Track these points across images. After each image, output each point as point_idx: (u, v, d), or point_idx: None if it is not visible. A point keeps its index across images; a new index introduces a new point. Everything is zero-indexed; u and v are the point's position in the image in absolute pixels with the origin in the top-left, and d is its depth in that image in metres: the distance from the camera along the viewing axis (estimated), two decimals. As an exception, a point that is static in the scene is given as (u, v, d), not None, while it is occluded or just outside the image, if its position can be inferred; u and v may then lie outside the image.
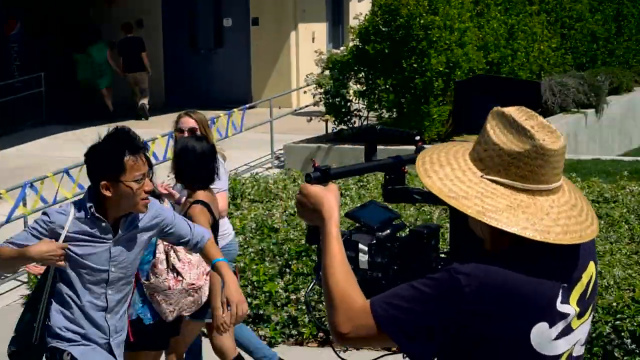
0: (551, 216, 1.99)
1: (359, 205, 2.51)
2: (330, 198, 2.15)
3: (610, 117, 16.34)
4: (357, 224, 2.31)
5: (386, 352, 2.26)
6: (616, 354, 5.62)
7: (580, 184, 8.47)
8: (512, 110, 2.05)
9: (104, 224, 3.73)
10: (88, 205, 3.70)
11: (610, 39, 18.95)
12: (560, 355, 2.07)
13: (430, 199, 2.23)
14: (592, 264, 2.13)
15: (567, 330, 2.06)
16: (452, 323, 1.98)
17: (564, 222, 2.00)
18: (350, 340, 2.07)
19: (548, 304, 2.01)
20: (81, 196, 3.94)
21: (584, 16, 17.70)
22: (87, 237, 3.75)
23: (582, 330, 2.12)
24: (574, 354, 2.13)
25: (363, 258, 2.25)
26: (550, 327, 2.02)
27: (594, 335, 5.61)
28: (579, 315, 2.09)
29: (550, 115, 13.90)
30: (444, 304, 1.97)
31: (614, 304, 5.71)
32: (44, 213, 3.81)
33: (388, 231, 2.29)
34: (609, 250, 6.60)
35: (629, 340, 5.58)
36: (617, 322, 5.63)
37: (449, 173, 2.06)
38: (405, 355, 2.03)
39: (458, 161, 2.09)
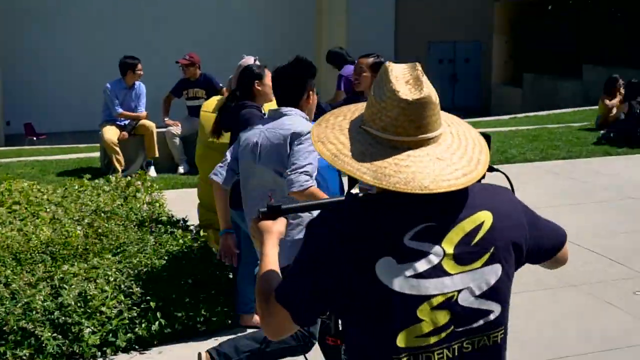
0: (400, 165, 2.03)
1: None
2: (271, 232, 2.38)
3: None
4: None
5: None
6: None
7: None
8: (393, 65, 2.12)
9: None
10: None
11: None
12: (429, 297, 2.06)
13: None
14: (483, 213, 2.14)
15: (437, 273, 2.06)
16: (321, 276, 2.07)
17: (412, 171, 2.03)
18: (281, 334, 2.22)
19: (391, 239, 2.05)
20: None
21: None
22: None
23: (469, 277, 2.10)
24: (461, 302, 2.09)
25: None
26: (399, 262, 2.04)
27: None
28: (459, 261, 2.09)
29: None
30: (312, 260, 2.10)
31: None
32: None
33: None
34: None
35: None
36: None
37: (337, 122, 2.18)
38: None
39: (354, 113, 2.20)
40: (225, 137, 5.68)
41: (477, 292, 2.11)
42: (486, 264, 2.12)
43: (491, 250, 2.13)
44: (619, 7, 25.61)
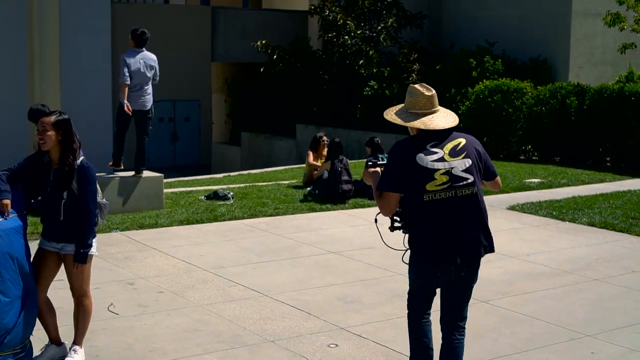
0: (422, 120, 5.04)
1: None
2: (373, 176, 5.15)
3: None
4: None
5: None
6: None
7: None
8: (415, 85, 5.18)
9: None
10: None
11: None
12: (439, 169, 4.91)
13: None
14: (460, 139, 5.07)
15: (441, 159, 4.94)
16: (392, 168, 5.01)
17: (428, 122, 5.02)
18: (387, 207, 5.04)
19: (421, 147, 4.96)
20: None
21: None
22: None
23: (456, 162, 4.95)
24: (454, 173, 4.94)
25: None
26: (426, 155, 4.93)
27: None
28: (451, 156, 4.96)
29: None
30: (388, 163, 5.04)
31: None
32: None
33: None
34: None
35: None
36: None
37: (394, 112, 5.22)
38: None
39: (396, 107, 5.26)
40: None
41: (461, 169, 4.95)
42: (463, 158, 4.99)
43: (464, 153, 5.02)
44: (326, 69, 27.01)
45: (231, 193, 12.99)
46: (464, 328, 5.21)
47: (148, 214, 11.45)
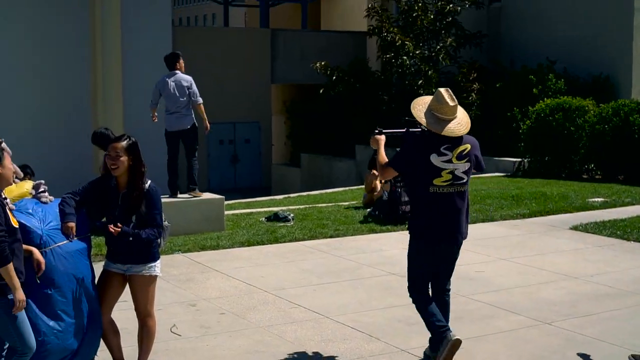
0: (442, 124, 6.04)
1: None
2: (380, 142, 6.52)
3: None
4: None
5: None
6: None
7: None
8: (442, 90, 6.14)
9: None
10: None
11: None
12: (445, 169, 6.04)
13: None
14: (467, 144, 6.15)
15: (449, 161, 6.05)
16: (408, 156, 6.22)
17: (446, 127, 6.04)
18: (388, 177, 6.56)
19: (436, 147, 6.03)
20: None
21: None
22: None
23: (460, 165, 6.09)
24: (456, 173, 6.08)
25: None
26: (438, 156, 6.02)
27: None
28: (458, 160, 6.08)
29: None
30: (405, 150, 6.26)
31: None
32: None
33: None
34: None
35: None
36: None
37: (422, 109, 6.22)
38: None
39: (425, 104, 6.25)
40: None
41: (462, 170, 6.10)
42: (465, 162, 6.11)
43: (467, 158, 6.12)
44: (385, 90, 27.02)
45: (291, 214, 13.05)
46: (450, 290, 6.58)
47: (209, 236, 11.56)
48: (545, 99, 20.85)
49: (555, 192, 15.61)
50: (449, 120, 6.06)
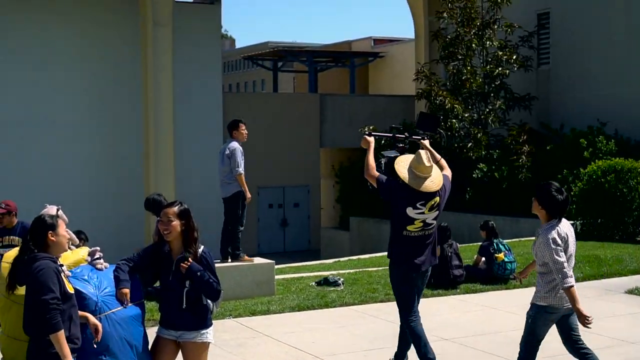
0: (418, 181, 7.40)
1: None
2: (370, 143, 7.90)
3: None
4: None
5: None
6: None
7: None
8: (422, 151, 7.56)
9: None
10: None
11: None
12: (418, 218, 7.46)
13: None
14: (437, 197, 7.49)
15: (422, 213, 7.46)
16: (392, 191, 7.64)
17: (422, 184, 7.40)
18: (370, 180, 7.76)
19: (412, 203, 7.42)
20: None
21: None
22: None
23: (430, 214, 7.51)
24: (427, 221, 7.51)
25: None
26: (414, 209, 7.43)
27: None
28: (429, 210, 7.48)
29: None
30: (393, 187, 7.60)
31: None
32: None
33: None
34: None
35: None
36: None
37: (405, 165, 7.57)
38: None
39: (407, 162, 7.61)
40: (22, 290, 5.47)
41: (431, 218, 7.56)
42: (434, 211, 7.54)
43: (437, 209, 7.56)
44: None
45: (341, 279, 13.01)
46: (418, 311, 7.81)
47: (260, 300, 11.56)
48: (597, 160, 20.68)
49: (609, 254, 15.36)
50: (425, 178, 7.45)
